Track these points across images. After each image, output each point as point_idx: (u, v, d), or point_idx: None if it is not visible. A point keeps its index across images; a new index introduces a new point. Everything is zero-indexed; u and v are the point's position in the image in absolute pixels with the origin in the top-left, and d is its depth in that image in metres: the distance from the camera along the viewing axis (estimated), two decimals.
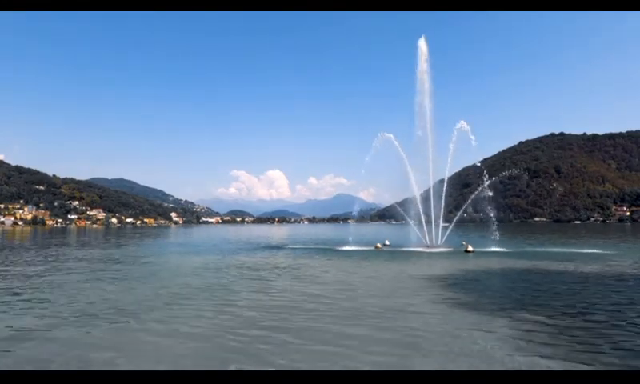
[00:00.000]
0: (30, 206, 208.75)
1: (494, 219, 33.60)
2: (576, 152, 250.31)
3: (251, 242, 45.81)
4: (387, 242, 36.07)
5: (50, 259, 25.33)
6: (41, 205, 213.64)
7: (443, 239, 32.72)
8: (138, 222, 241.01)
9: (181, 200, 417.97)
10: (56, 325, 9.28)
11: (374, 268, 20.24)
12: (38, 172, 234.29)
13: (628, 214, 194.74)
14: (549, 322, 9.14)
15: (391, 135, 33.83)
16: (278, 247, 37.05)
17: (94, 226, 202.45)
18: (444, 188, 33.17)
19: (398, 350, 7.33)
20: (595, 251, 28.15)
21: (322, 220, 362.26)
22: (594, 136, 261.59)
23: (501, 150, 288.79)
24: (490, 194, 32.63)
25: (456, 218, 37.74)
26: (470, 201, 34.47)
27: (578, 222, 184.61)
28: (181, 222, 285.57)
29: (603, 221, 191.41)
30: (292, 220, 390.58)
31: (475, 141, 32.11)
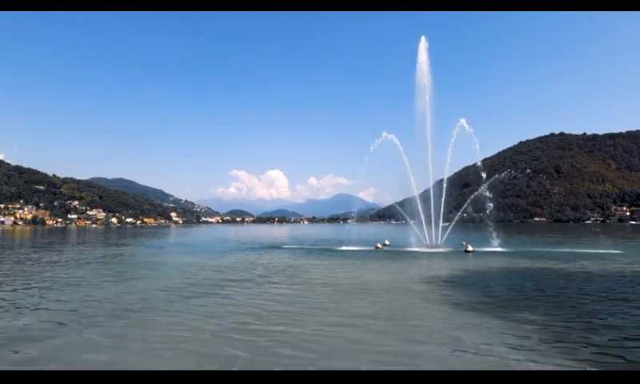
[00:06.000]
0: (29, 206, 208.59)
1: (490, 221, 33.65)
2: (576, 152, 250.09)
3: (251, 242, 45.80)
4: (387, 242, 36.06)
5: (46, 260, 25.33)
6: (41, 205, 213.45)
7: (443, 239, 32.72)
8: (138, 222, 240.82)
9: (181, 200, 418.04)
10: (53, 325, 9.29)
11: (374, 268, 20.24)
12: (38, 172, 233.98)
13: (628, 213, 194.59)
14: (549, 322, 9.14)
15: (392, 135, 33.88)
16: (278, 247, 37.04)
17: (94, 225, 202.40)
18: (444, 188, 33.17)
19: (398, 350, 7.34)
20: (595, 251, 28.14)
21: (322, 220, 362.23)
22: (594, 136, 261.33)
23: (501, 150, 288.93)
24: (489, 195, 32.69)
25: (456, 217, 37.72)
26: (469, 201, 34.47)
27: (589, 222, 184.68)
28: (181, 221, 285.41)
29: (603, 221, 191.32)
30: (292, 220, 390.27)
31: (477, 144, 32.27)
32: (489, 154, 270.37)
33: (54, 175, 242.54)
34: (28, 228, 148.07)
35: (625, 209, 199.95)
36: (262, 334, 8.40)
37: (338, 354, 7.17)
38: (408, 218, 35.18)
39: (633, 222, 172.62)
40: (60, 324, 9.35)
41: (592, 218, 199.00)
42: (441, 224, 33.06)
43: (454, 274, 17.67)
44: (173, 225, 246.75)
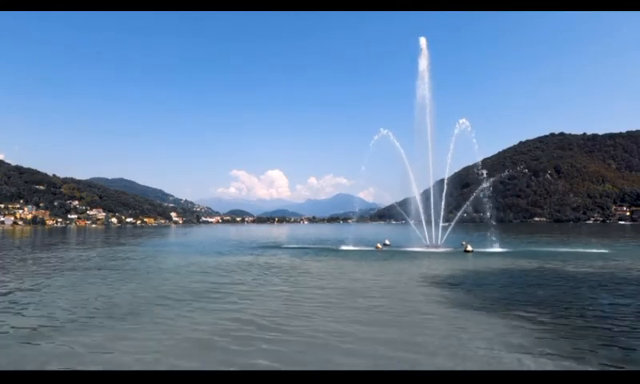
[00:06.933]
0: (29, 206, 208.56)
1: (492, 222, 33.67)
2: (576, 152, 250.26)
3: (250, 242, 45.80)
4: (387, 242, 36.08)
5: (45, 261, 25.33)
6: (41, 205, 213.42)
7: (443, 239, 32.73)
8: (138, 222, 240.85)
9: (181, 200, 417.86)
10: (50, 326, 9.29)
11: (374, 268, 20.24)
12: (38, 172, 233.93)
13: (628, 213, 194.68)
14: (549, 322, 9.14)
15: (390, 133, 33.89)
16: (277, 247, 37.05)
17: (94, 225, 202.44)
18: (444, 188, 33.19)
19: (398, 350, 7.33)
20: (595, 251, 28.16)
21: (322, 220, 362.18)
22: (594, 136, 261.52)
23: (501, 149, 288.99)
24: (487, 197, 32.77)
25: (456, 218, 37.75)
26: (469, 201, 34.49)
27: (590, 222, 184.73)
28: (181, 221, 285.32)
29: (603, 221, 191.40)
30: (292, 220, 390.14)
31: (476, 143, 32.35)
32: (489, 154, 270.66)
33: (54, 175, 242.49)
34: (28, 228, 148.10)
35: (625, 209, 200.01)
36: (256, 337, 8.39)
37: (337, 354, 7.16)
38: (408, 218, 35.19)
39: (633, 222, 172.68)
40: (50, 326, 9.35)
41: (592, 218, 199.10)
42: (441, 224, 33.07)
43: (453, 274, 17.67)
44: (173, 225, 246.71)
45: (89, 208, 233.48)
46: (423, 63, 34.47)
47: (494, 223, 34.36)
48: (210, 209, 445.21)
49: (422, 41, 34.86)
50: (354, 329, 8.78)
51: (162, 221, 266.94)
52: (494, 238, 32.21)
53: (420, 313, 10.40)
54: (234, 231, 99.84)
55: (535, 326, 8.85)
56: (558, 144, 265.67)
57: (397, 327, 8.93)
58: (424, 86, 34.16)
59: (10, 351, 7.40)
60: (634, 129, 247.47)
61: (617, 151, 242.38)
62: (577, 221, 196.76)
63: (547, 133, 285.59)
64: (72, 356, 7.15)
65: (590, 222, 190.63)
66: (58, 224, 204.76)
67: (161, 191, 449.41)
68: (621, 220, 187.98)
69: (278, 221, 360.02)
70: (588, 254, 25.71)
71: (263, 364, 6.67)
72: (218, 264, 22.35)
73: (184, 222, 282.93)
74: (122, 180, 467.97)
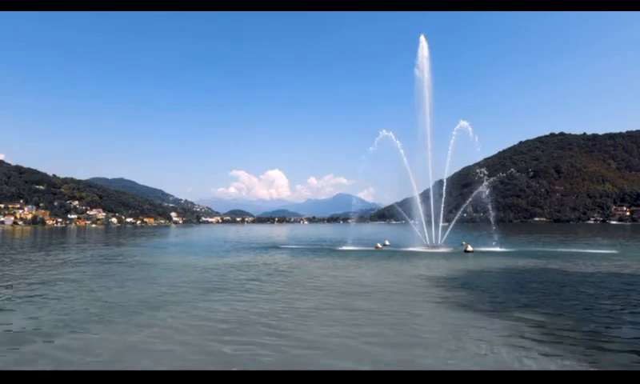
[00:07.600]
0: (29, 206, 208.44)
1: (492, 222, 33.69)
2: (576, 152, 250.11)
3: (250, 242, 45.80)
4: (387, 242, 36.09)
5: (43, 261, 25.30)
6: (41, 204, 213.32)
7: (443, 239, 32.72)
8: (138, 222, 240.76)
9: (181, 200, 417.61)
10: (45, 327, 9.28)
11: (374, 268, 20.24)
12: (38, 172, 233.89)
13: (628, 213, 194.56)
14: (549, 322, 9.14)
15: (391, 133, 33.88)
16: (277, 247, 37.04)
17: (94, 225, 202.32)
18: (444, 188, 33.19)
19: (398, 350, 7.33)
20: (594, 251, 28.16)
21: (322, 220, 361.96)
22: (594, 136, 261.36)
23: (501, 149, 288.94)
24: (487, 197, 32.84)
25: (456, 217, 37.73)
26: (469, 201, 34.49)
27: (590, 222, 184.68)
28: (181, 221, 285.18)
29: (603, 221, 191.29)
30: (292, 220, 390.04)
31: (479, 142, 32.42)
32: (489, 154, 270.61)
33: (53, 175, 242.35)
34: (28, 228, 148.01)
35: (625, 209, 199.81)
36: (255, 337, 8.39)
37: (336, 354, 7.15)
38: (408, 218, 35.19)
39: (633, 222, 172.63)
40: (45, 327, 9.34)
41: (592, 218, 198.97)
42: (441, 224, 33.06)
43: (453, 274, 17.66)
44: (173, 225, 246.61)
45: (89, 208, 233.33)
46: (423, 61, 34.36)
47: (493, 223, 34.31)
48: (210, 209, 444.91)
49: (422, 39, 34.76)
50: (353, 329, 8.77)
51: (162, 221, 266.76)
52: (494, 239, 32.21)
53: (419, 313, 10.39)
54: (234, 231, 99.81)
55: (536, 326, 8.84)
56: (558, 144, 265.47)
57: (396, 327, 8.92)
58: (424, 85, 34.07)
59: (13, 350, 7.40)
60: (634, 129, 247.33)
61: (617, 151, 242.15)
62: (577, 221, 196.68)
63: (547, 133, 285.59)
64: (70, 356, 7.15)
65: (591, 222, 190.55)
66: (58, 224, 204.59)
67: (161, 191, 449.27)
68: (621, 220, 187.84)
69: (278, 221, 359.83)
70: (588, 254, 25.70)
71: (262, 364, 6.67)
72: (217, 264, 22.35)
73: (184, 222, 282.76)
74: (121, 180, 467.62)
